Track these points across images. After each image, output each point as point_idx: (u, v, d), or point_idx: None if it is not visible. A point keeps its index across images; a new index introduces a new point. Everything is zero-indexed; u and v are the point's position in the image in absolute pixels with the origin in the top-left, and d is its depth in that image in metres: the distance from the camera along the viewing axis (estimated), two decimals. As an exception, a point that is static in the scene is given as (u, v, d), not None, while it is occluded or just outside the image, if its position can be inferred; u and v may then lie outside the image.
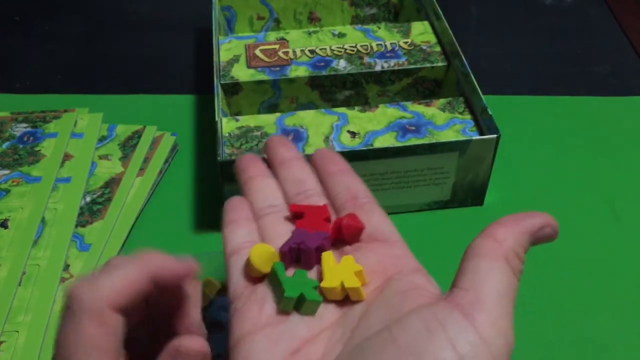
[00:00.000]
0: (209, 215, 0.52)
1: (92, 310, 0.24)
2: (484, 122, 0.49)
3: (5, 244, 0.48)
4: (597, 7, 0.76)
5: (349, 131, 0.49)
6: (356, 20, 0.67)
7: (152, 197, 0.53)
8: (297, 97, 0.57)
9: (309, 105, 0.57)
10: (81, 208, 0.51)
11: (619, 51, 0.70)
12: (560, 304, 0.46)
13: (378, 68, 0.56)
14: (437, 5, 0.60)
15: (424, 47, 0.58)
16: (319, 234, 0.30)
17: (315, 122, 0.50)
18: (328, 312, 0.27)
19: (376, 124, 0.50)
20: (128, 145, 0.56)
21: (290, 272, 0.29)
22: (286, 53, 0.57)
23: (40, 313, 0.44)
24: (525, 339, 0.44)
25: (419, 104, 0.52)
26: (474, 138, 0.47)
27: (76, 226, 0.50)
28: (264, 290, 0.28)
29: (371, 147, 0.47)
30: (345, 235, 0.30)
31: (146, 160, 0.55)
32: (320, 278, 0.28)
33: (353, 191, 0.32)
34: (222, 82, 0.54)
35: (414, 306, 0.25)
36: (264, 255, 0.29)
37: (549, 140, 0.59)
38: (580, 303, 0.46)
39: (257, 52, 0.57)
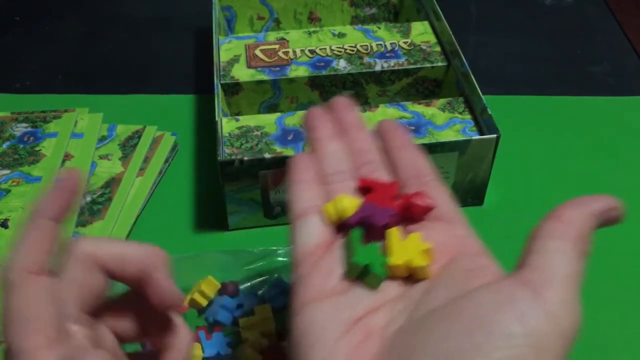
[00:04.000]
0: (209, 215, 0.52)
1: (17, 282, 0.25)
2: (484, 122, 0.49)
3: (5, 243, 0.48)
4: (597, 7, 0.76)
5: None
6: (356, 20, 0.67)
7: (152, 197, 0.53)
8: (297, 97, 0.57)
9: (309, 105, 0.57)
10: (81, 208, 0.51)
11: (619, 51, 0.70)
12: (560, 303, 0.46)
13: (378, 68, 0.56)
14: (437, 5, 0.60)
15: (424, 47, 0.58)
16: (386, 209, 0.29)
17: (315, 122, 0.50)
18: (392, 287, 0.27)
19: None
20: (128, 145, 0.56)
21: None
22: (286, 53, 0.57)
23: (41, 313, 0.44)
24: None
25: (419, 104, 0.52)
26: (474, 138, 0.47)
27: (76, 226, 0.50)
28: (330, 260, 0.28)
29: (371, 147, 0.47)
30: (414, 213, 0.30)
31: (146, 160, 0.55)
32: (385, 254, 0.28)
33: (418, 168, 0.32)
34: (222, 82, 0.54)
35: (481, 283, 0.25)
36: (349, 202, 0.29)
37: (549, 140, 0.59)
38: (580, 303, 0.46)
39: (257, 52, 0.57)
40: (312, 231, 0.30)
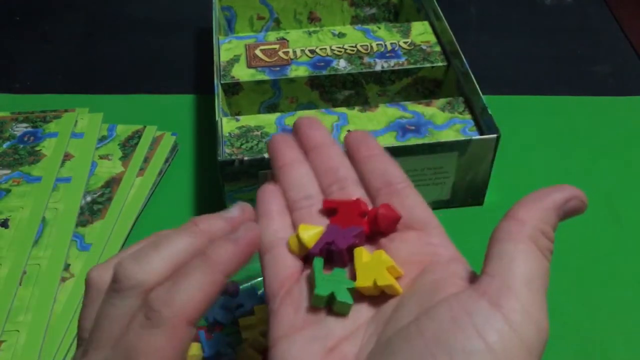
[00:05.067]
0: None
1: (170, 325, 0.24)
2: (484, 122, 0.49)
3: (5, 243, 0.48)
4: (597, 7, 0.76)
5: (349, 131, 0.49)
6: (356, 20, 0.67)
7: (152, 197, 0.53)
8: (297, 97, 0.57)
9: (309, 105, 0.57)
10: (81, 208, 0.51)
11: (619, 51, 0.70)
12: (560, 303, 0.46)
13: (378, 68, 0.56)
14: (437, 5, 0.60)
15: (424, 47, 0.58)
16: (351, 230, 0.29)
17: (315, 122, 0.50)
18: (364, 309, 0.27)
19: (376, 123, 0.50)
20: (128, 145, 0.56)
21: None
22: (286, 53, 0.57)
23: (41, 313, 0.44)
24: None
25: (419, 103, 0.52)
26: (473, 138, 0.47)
27: (76, 226, 0.50)
28: (299, 290, 0.28)
29: (371, 147, 0.47)
30: (382, 227, 0.29)
31: (146, 160, 0.55)
32: (354, 276, 0.27)
33: (387, 176, 0.31)
34: (222, 82, 0.54)
35: (444, 296, 0.24)
36: (312, 231, 0.29)
37: (549, 140, 0.59)
38: (580, 303, 0.46)
39: (257, 52, 0.57)
40: (281, 264, 0.29)
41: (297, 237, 0.29)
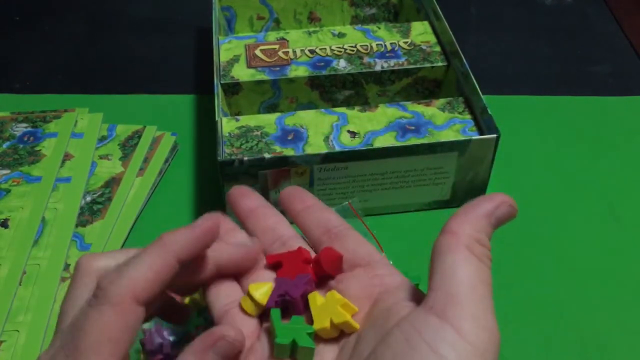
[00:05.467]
0: (209, 215, 0.52)
1: (115, 302, 0.25)
2: (483, 122, 0.49)
3: (5, 243, 0.48)
4: (597, 7, 0.76)
5: (349, 131, 0.49)
6: (356, 20, 0.67)
7: (152, 197, 0.53)
8: (297, 97, 0.57)
9: (309, 105, 0.57)
10: (81, 208, 0.51)
11: (619, 51, 0.70)
12: (560, 303, 0.46)
13: (378, 68, 0.56)
14: (437, 5, 0.60)
15: (424, 47, 0.58)
16: (300, 278, 0.29)
17: (315, 122, 0.50)
18: (328, 351, 0.27)
19: (376, 123, 0.50)
20: (128, 145, 0.56)
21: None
22: (286, 53, 0.57)
23: (41, 313, 0.44)
24: (525, 338, 0.44)
25: (419, 103, 0.52)
26: (473, 138, 0.47)
27: (76, 226, 0.50)
28: (261, 346, 0.28)
29: (371, 147, 0.47)
30: (328, 269, 0.29)
31: (146, 160, 0.55)
32: (312, 321, 0.28)
33: (324, 223, 0.31)
34: (222, 82, 0.54)
35: (396, 321, 0.24)
36: (263, 288, 0.29)
37: (549, 140, 0.59)
38: (580, 303, 0.46)
39: (257, 52, 0.57)
40: (238, 325, 0.29)
41: (249, 297, 0.29)
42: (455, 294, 0.23)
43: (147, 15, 0.75)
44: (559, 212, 0.52)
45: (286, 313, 0.29)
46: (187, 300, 0.44)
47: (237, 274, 0.30)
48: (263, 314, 0.29)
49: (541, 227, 0.51)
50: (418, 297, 0.26)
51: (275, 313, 0.28)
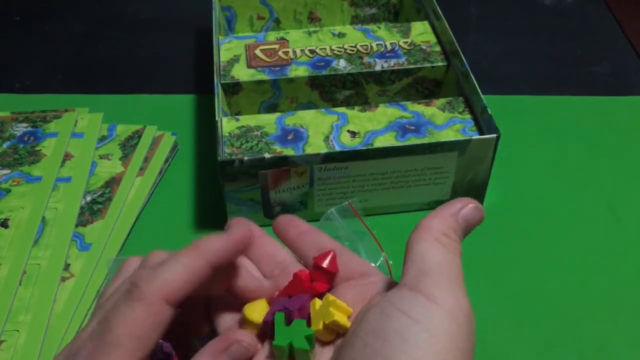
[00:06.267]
0: (209, 215, 0.52)
1: (146, 300, 0.26)
2: (483, 122, 0.49)
3: (5, 243, 0.48)
4: (597, 7, 0.76)
5: (349, 131, 0.49)
6: (356, 20, 0.67)
7: (152, 196, 0.53)
8: (297, 97, 0.57)
9: (309, 105, 0.57)
10: (81, 208, 0.51)
11: (619, 51, 0.70)
12: (560, 303, 0.46)
13: (378, 68, 0.56)
14: (437, 5, 0.60)
15: (424, 47, 0.58)
16: (299, 297, 0.30)
17: (315, 121, 0.50)
18: (325, 353, 0.28)
19: (376, 123, 0.50)
20: (128, 145, 0.56)
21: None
22: (286, 53, 0.57)
23: (41, 312, 0.44)
24: (525, 338, 0.44)
25: (419, 103, 0.52)
26: (473, 138, 0.47)
27: (76, 226, 0.50)
28: (263, 351, 0.29)
29: (371, 147, 0.47)
30: (328, 267, 0.31)
31: (146, 160, 0.55)
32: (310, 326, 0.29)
33: (320, 245, 0.32)
34: (222, 82, 0.54)
35: (374, 303, 0.26)
36: (257, 307, 0.30)
37: (549, 140, 0.59)
38: (580, 303, 0.46)
39: (257, 52, 0.57)
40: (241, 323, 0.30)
41: (244, 318, 0.30)
42: (426, 270, 0.26)
43: (147, 15, 0.75)
44: (559, 212, 0.52)
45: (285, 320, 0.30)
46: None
47: (241, 300, 0.31)
48: (269, 332, 0.30)
49: (541, 227, 0.51)
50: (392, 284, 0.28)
51: (279, 317, 0.29)
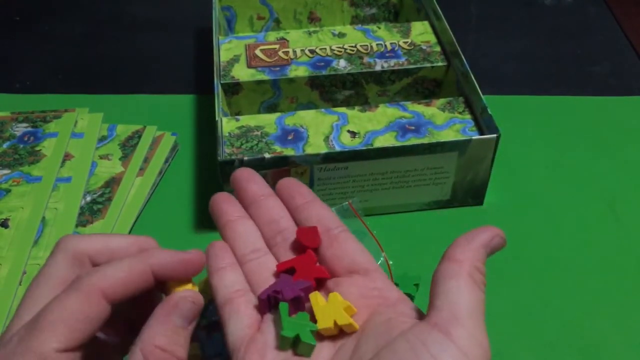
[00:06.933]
0: (208, 215, 0.52)
1: (83, 290, 0.27)
2: (483, 122, 0.49)
3: (5, 243, 0.48)
4: (597, 7, 0.76)
5: (349, 131, 0.49)
6: (356, 20, 0.67)
7: (152, 196, 0.53)
8: (297, 97, 0.57)
9: (309, 105, 0.57)
10: (81, 208, 0.51)
11: (619, 51, 0.70)
12: (560, 303, 0.46)
13: (378, 68, 0.56)
14: (437, 5, 0.60)
15: (424, 47, 0.58)
16: (300, 283, 0.31)
17: (315, 121, 0.50)
18: (326, 349, 0.29)
19: (376, 123, 0.50)
20: (128, 145, 0.56)
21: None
22: (286, 53, 0.57)
23: (41, 313, 0.44)
24: (525, 339, 0.44)
25: (419, 103, 0.52)
26: (473, 138, 0.47)
27: (76, 226, 0.50)
28: (263, 337, 0.29)
29: (371, 147, 0.47)
30: (306, 243, 0.32)
31: (146, 160, 0.55)
32: (311, 319, 0.30)
33: (325, 222, 0.33)
34: (222, 82, 0.54)
35: (399, 331, 0.27)
36: (184, 286, 0.31)
37: (549, 140, 0.59)
38: (580, 303, 0.46)
39: (257, 52, 0.57)
40: (241, 314, 0.30)
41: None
42: (459, 315, 0.26)
43: (147, 15, 0.75)
44: (559, 212, 0.52)
45: (271, 311, 0.31)
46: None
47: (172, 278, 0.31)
48: (262, 309, 0.31)
49: (541, 227, 0.51)
50: (416, 313, 0.28)
51: (284, 307, 0.30)
